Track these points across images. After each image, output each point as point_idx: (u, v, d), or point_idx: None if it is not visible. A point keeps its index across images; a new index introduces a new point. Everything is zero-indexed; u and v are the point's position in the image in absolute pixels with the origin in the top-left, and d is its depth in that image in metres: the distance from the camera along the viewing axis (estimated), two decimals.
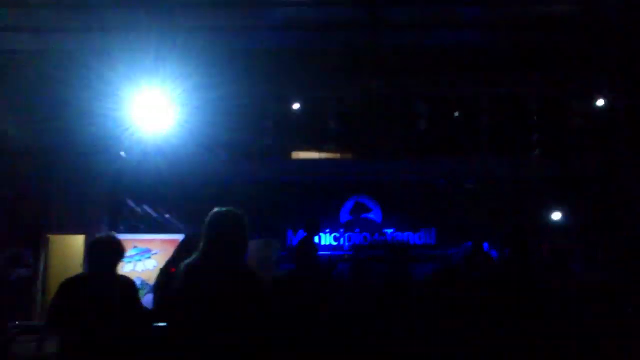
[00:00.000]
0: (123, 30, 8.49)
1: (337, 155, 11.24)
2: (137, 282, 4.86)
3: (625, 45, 8.74)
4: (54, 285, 5.09)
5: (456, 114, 11.05)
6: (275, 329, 3.08)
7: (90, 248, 4.13)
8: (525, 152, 10.71)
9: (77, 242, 9.80)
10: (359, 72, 10.58)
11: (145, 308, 4.59)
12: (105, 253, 3.89)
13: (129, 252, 9.07)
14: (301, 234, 10.63)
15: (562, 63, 9.54)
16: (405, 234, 10.67)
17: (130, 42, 8.49)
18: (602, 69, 9.65)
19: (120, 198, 10.36)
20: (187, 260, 2.99)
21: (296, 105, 10.75)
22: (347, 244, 10.64)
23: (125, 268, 8.45)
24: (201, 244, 3.00)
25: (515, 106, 10.86)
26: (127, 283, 3.95)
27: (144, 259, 9.07)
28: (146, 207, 10.27)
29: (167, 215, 10.13)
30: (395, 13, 9.10)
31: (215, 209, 3.05)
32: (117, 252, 3.98)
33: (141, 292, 6.00)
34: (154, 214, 10.22)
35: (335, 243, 10.58)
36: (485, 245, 8.73)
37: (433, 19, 9.26)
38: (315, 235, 8.53)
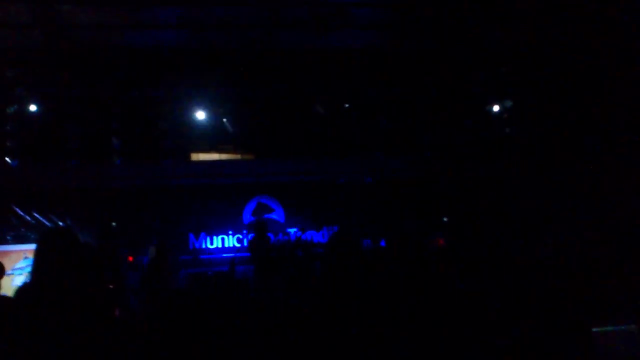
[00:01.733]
0: None
1: (238, 156, 11.22)
2: None
3: None
4: None
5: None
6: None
7: None
8: (421, 152, 11.18)
9: None
10: (255, 72, 10.55)
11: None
12: None
13: (18, 264, 8.58)
14: (204, 236, 10.56)
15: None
16: (309, 233, 10.87)
17: None
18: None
19: (6, 205, 9.74)
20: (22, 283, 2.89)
21: (195, 107, 10.58)
22: None
23: (15, 281, 8.01)
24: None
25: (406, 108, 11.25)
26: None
27: None
28: (37, 215, 9.71)
29: (61, 224, 9.64)
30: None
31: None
32: None
33: None
34: (46, 223, 9.68)
35: (238, 245, 10.57)
36: (383, 242, 9.12)
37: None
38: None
